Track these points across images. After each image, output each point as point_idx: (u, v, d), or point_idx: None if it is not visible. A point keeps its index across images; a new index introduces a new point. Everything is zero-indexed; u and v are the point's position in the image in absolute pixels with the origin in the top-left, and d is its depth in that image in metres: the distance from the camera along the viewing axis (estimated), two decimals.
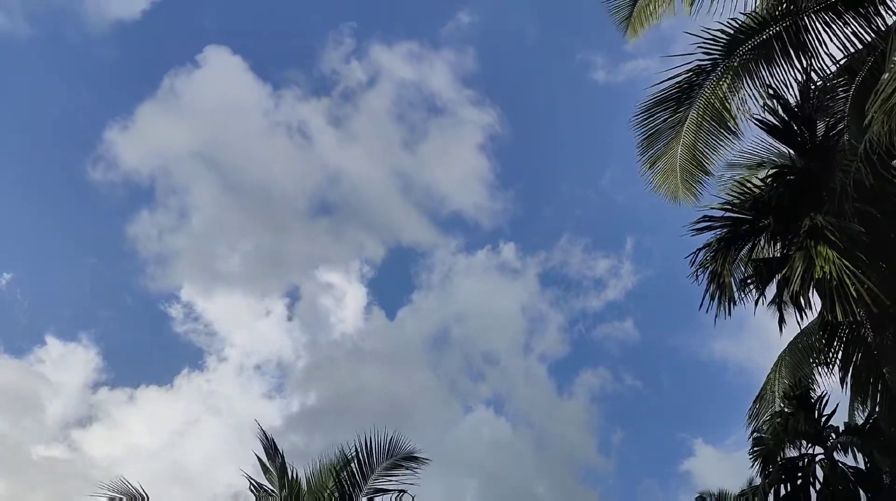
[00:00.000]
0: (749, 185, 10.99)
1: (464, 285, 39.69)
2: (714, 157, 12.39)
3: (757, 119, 10.72)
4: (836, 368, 10.22)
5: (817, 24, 10.64)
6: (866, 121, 8.53)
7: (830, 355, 10.32)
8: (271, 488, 12.55)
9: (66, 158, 38.79)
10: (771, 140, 11.37)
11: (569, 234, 39.35)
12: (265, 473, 12.70)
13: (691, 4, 11.96)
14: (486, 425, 35.64)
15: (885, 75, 8.62)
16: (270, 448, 12.94)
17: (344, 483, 12.48)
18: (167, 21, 37.81)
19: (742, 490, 10.61)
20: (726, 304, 10.45)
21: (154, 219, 37.22)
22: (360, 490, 12.47)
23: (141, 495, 12.39)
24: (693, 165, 12.47)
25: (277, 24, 39.30)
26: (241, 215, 38.61)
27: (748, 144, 12.27)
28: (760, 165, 12.12)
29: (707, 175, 12.59)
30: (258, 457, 12.78)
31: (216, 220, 38.36)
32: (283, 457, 12.89)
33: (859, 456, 10.48)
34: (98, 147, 36.88)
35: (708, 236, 10.69)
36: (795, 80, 10.81)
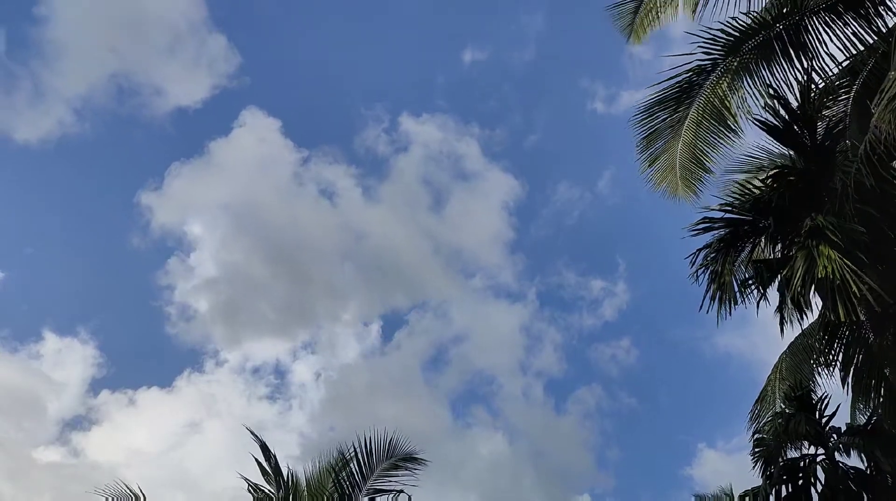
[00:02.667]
0: (749, 186, 10.98)
1: (462, 305, 39.93)
2: (713, 155, 12.42)
3: (757, 120, 10.70)
4: (837, 369, 10.23)
5: (818, 24, 10.65)
6: (873, 120, 8.53)
7: (831, 355, 10.33)
8: (270, 489, 12.52)
9: (105, 223, 39.84)
10: (771, 144, 11.35)
11: (564, 258, 40.03)
12: (264, 475, 12.64)
13: (694, 10, 11.96)
14: (484, 442, 36.18)
15: (891, 74, 8.61)
16: (265, 449, 12.89)
17: (343, 483, 12.47)
18: (223, 106, 38.98)
19: (744, 491, 10.61)
20: (727, 304, 10.45)
21: (183, 271, 38.07)
22: (360, 491, 12.46)
23: (137, 496, 12.33)
24: (693, 163, 12.50)
25: (316, 100, 40.52)
26: (269, 269, 39.29)
27: (749, 149, 12.29)
28: (761, 169, 12.12)
29: (707, 173, 12.62)
30: (256, 459, 12.74)
31: (243, 272, 39.00)
32: (275, 458, 12.86)
33: (861, 457, 10.49)
34: (134, 211, 37.92)
35: (708, 237, 10.68)
36: (796, 80, 10.82)
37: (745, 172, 12.43)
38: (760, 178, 11.59)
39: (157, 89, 38.16)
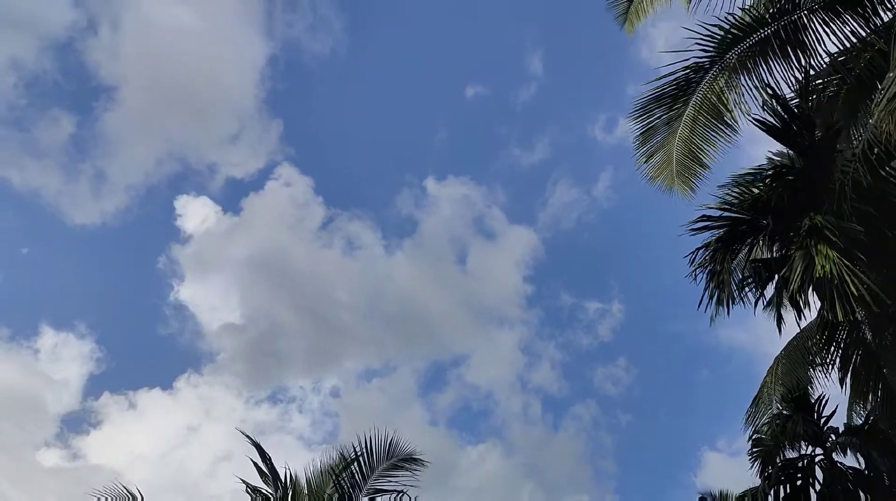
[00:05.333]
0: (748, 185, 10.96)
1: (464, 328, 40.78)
2: (710, 151, 12.39)
3: (755, 119, 10.65)
4: (836, 368, 10.26)
5: (815, 22, 10.57)
6: (872, 120, 8.49)
7: (829, 355, 10.36)
8: (268, 491, 12.53)
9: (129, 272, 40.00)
10: (769, 148, 11.31)
11: (562, 277, 40.86)
12: (262, 476, 12.62)
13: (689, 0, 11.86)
14: (482, 457, 36.71)
15: (891, 74, 8.55)
16: (260, 451, 12.85)
17: (343, 484, 12.46)
18: (265, 169, 40.14)
19: (743, 492, 10.66)
20: (725, 303, 10.47)
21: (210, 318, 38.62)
22: (360, 491, 12.45)
23: (136, 497, 12.33)
24: (689, 159, 12.46)
25: (346, 161, 41.62)
26: (294, 318, 39.88)
27: (748, 158, 12.26)
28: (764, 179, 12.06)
29: (703, 169, 12.59)
30: (253, 461, 12.71)
31: (268, 320, 39.39)
32: (270, 460, 12.81)
33: (859, 457, 10.54)
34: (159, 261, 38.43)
35: (706, 237, 10.67)
36: (794, 78, 10.77)
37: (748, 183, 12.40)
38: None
39: (211, 167, 39.68)
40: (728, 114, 11.78)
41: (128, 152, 39.23)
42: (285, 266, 40.31)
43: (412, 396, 38.60)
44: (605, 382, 38.17)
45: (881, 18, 10.18)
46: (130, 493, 12.26)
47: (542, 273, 40.69)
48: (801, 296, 9.63)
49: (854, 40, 10.39)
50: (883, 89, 8.29)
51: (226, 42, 40.71)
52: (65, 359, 35.18)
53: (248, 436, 12.78)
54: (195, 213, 39.02)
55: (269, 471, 12.71)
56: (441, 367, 39.78)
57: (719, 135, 12.19)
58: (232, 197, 40.53)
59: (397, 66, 41.90)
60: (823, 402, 10.74)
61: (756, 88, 11.22)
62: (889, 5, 10.14)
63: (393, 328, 40.69)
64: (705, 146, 12.38)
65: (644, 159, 12.85)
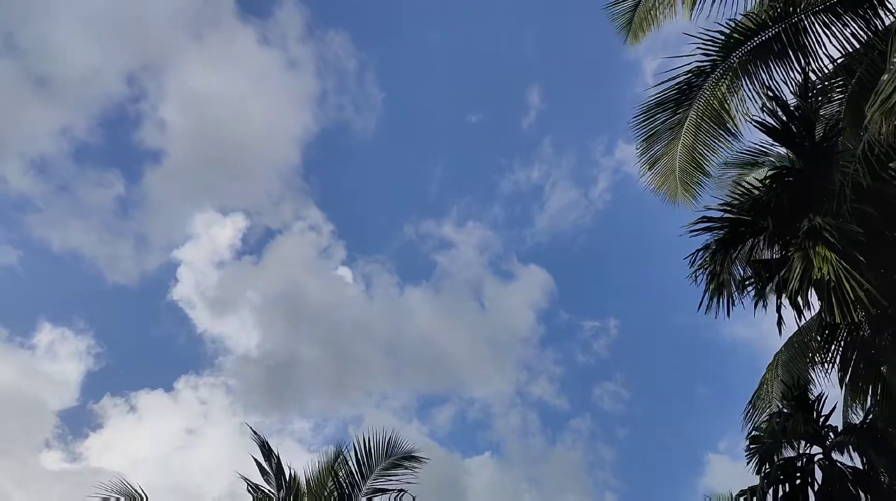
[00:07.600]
0: (748, 186, 10.99)
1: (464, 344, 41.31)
2: (713, 158, 12.46)
3: (756, 121, 10.70)
4: (835, 368, 10.22)
5: (816, 25, 10.66)
6: (865, 122, 8.54)
7: (829, 355, 10.33)
8: (269, 489, 12.60)
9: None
10: (767, 141, 11.37)
11: (560, 293, 41.01)
12: (263, 475, 12.74)
13: (691, 9, 11.99)
14: (481, 470, 36.86)
15: (885, 76, 8.62)
16: (266, 449, 12.97)
17: (343, 483, 12.52)
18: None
19: (741, 491, 10.56)
20: (725, 305, 10.46)
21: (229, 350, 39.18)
22: (360, 490, 12.51)
23: (140, 495, 12.42)
24: (692, 166, 12.53)
25: (368, 207, 42.79)
26: (311, 353, 40.46)
27: (743, 145, 12.34)
28: (755, 165, 12.15)
29: (706, 176, 12.65)
30: (255, 459, 12.82)
31: (286, 352, 39.94)
32: (278, 458, 12.94)
33: (856, 456, 10.45)
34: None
35: (707, 238, 10.69)
36: (795, 81, 10.84)
37: (740, 166, 12.47)
38: (756, 177, 11.61)
39: (252, 224, 40.34)
40: (730, 120, 11.86)
41: (170, 213, 40.69)
42: (304, 303, 41.07)
43: (411, 411, 38.78)
44: (604, 396, 38.17)
45: (882, 21, 10.27)
46: (135, 492, 12.38)
47: (537, 277, 41.04)
48: (800, 297, 9.60)
49: (855, 43, 10.47)
50: (877, 91, 8.35)
51: (273, 113, 42.22)
52: (63, 355, 35.41)
53: (254, 431, 12.91)
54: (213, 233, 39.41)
55: (273, 469, 12.81)
56: (442, 386, 39.94)
57: (722, 142, 12.26)
58: (259, 239, 41.41)
59: (420, 115, 43.15)
60: (823, 400, 10.66)
61: (758, 92, 11.32)
62: (889, 7, 10.22)
63: (410, 365, 41.39)
64: (708, 154, 12.44)
65: (647, 166, 12.93)
